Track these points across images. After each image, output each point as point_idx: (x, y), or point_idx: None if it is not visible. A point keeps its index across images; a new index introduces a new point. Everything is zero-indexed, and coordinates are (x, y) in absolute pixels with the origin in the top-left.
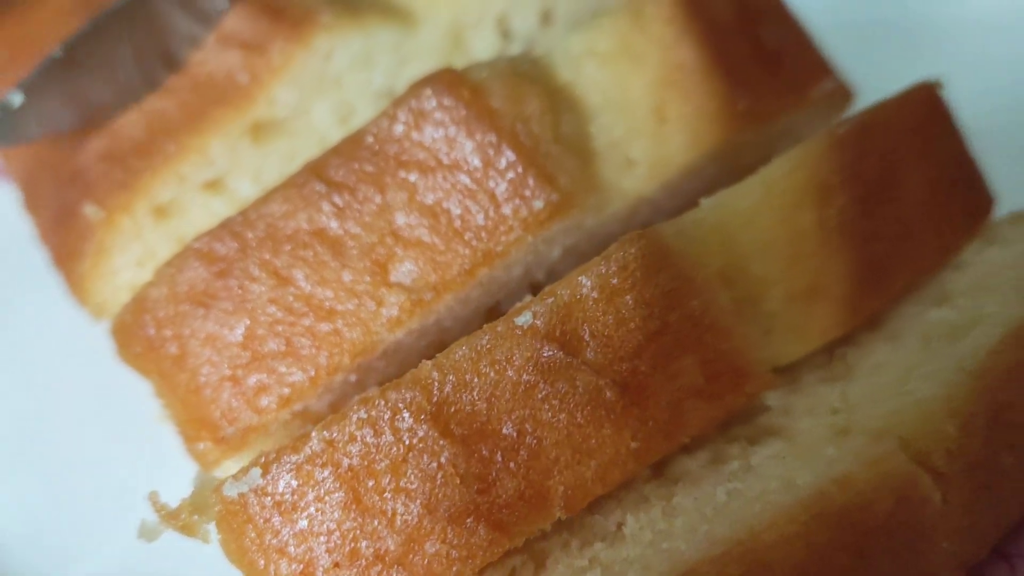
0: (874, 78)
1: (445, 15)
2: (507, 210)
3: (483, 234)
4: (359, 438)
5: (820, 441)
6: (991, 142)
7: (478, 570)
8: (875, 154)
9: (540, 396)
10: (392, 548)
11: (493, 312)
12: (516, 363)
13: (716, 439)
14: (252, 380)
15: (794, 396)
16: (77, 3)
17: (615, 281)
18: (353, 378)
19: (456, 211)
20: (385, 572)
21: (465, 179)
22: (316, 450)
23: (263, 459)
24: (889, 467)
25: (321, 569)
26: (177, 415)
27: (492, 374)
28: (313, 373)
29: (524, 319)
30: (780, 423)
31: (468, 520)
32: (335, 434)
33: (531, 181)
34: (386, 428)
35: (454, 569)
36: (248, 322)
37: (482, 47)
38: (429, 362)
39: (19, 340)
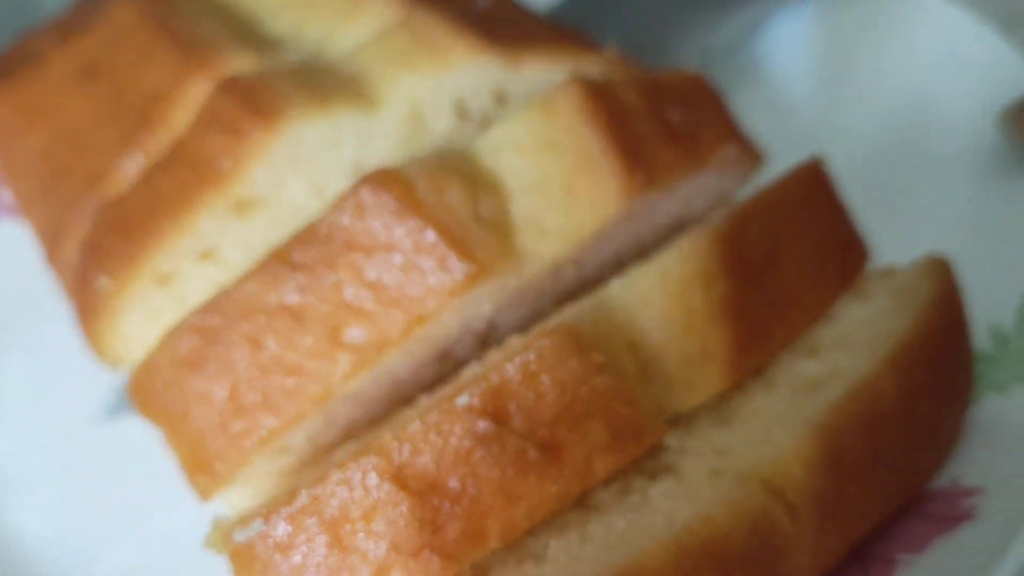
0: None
1: (404, 99)
2: (433, 281)
3: (414, 302)
4: (337, 493)
5: (699, 481)
6: (868, 198)
7: None
8: (755, 238)
9: (477, 457)
10: None
11: (445, 356)
12: (457, 433)
13: (628, 471)
14: (236, 426)
15: (688, 437)
16: (80, 73)
17: (533, 367)
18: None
19: (393, 284)
20: None
21: (399, 258)
22: (305, 503)
23: (264, 510)
24: (746, 505)
25: None
26: (181, 457)
27: (439, 442)
28: (283, 420)
29: (463, 400)
30: (675, 461)
31: (424, 552)
32: (318, 491)
33: (452, 257)
34: (358, 486)
35: None
36: (232, 380)
37: (440, 126)
38: (389, 433)
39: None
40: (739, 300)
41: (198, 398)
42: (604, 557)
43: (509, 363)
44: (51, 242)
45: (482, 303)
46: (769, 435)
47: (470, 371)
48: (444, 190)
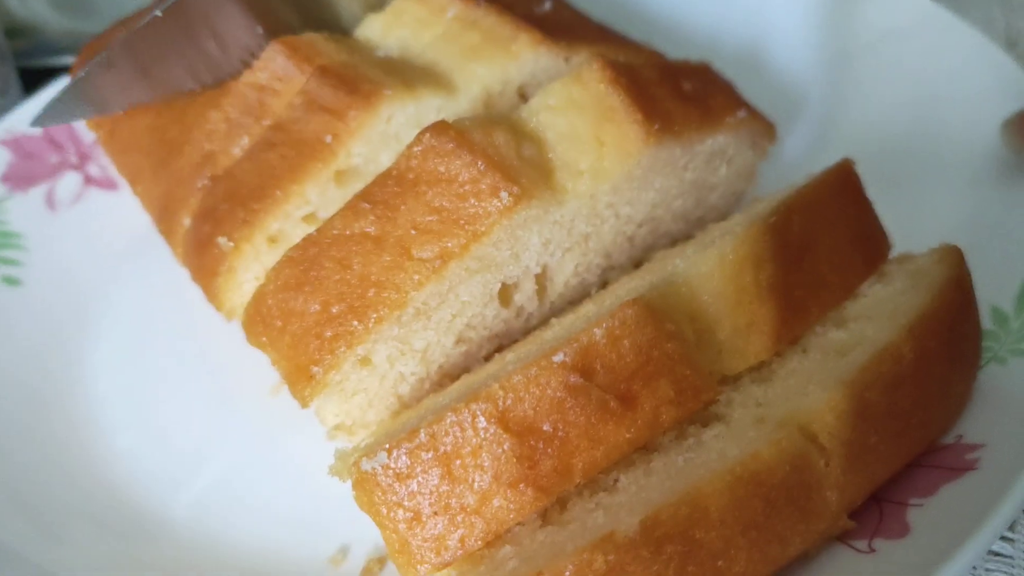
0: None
1: (477, 85)
2: (485, 204)
3: (471, 221)
4: (451, 432)
5: (745, 426)
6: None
7: (524, 515)
8: (797, 229)
9: (568, 406)
10: (471, 504)
11: (503, 293)
12: (552, 385)
13: (682, 421)
14: (328, 332)
15: (735, 393)
16: None
17: (617, 332)
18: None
19: (453, 208)
20: (466, 519)
21: (457, 187)
22: (423, 440)
23: (387, 445)
24: (786, 445)
25: (424, 516)
26: (284, 370)
27: (537, 392)
28: (365, 324)
29: (558, 357)
30: (723, 412)
31: (520, 485)
32: (435, 429)
33: (500, 183)
34: (468, 427)
35: (511, 516)
36: (324, 296)
37: (506, 108)
38: (496, 383)
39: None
40: (783, 281)
41: (297, 315)
42: (667, 486)
43: (597, 328)
44: (164, 213)
45: (530, 231)
46: (805, 390)
47: (551, 332)
48: (492, 134)
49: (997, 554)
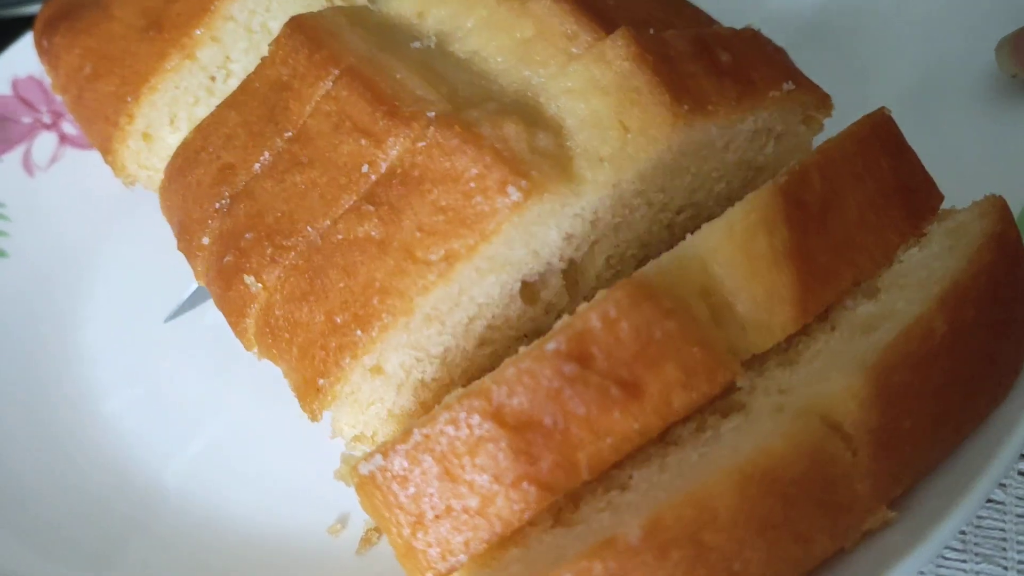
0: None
1: (531, 95)
2: (495, 200)
3: (479, 219)
4: (445, 432)
5: (764, 417)
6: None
7: (531, 515)
8: (817, 187)
9: (565, 396)
10: (473, 505)
11: (527, 291)
12: (547, 375)
13: (705, 411)
14: (333, 343)
15: (758, 378)
16: (147, 20)
17: (612, 314)
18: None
19: (460, 207)
20: (469, 521)
21: (464, 184)
22: (418, 440)
23: (383, 448)
24: (803, 437)
25: (426, 519)
26: (293, 383)
27: (532, 384)
28: (371, 333)
29: (550, 345)
30: (744, 400)
31: (523, 484)
32: (428, 430)
33: (508, 177)
34: (463, 424)
35: (516, 516)
36: (329, 305)
37: None
38: (488, 377)
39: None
40: (802, 245)
41: (303, 326)
42: (678, 484)
43: (591, 311)
44: (182, 231)
45: (546, 226)
46: (827, 374)
47: (562, 321)
48: (501, 126)
49: (991, 500)
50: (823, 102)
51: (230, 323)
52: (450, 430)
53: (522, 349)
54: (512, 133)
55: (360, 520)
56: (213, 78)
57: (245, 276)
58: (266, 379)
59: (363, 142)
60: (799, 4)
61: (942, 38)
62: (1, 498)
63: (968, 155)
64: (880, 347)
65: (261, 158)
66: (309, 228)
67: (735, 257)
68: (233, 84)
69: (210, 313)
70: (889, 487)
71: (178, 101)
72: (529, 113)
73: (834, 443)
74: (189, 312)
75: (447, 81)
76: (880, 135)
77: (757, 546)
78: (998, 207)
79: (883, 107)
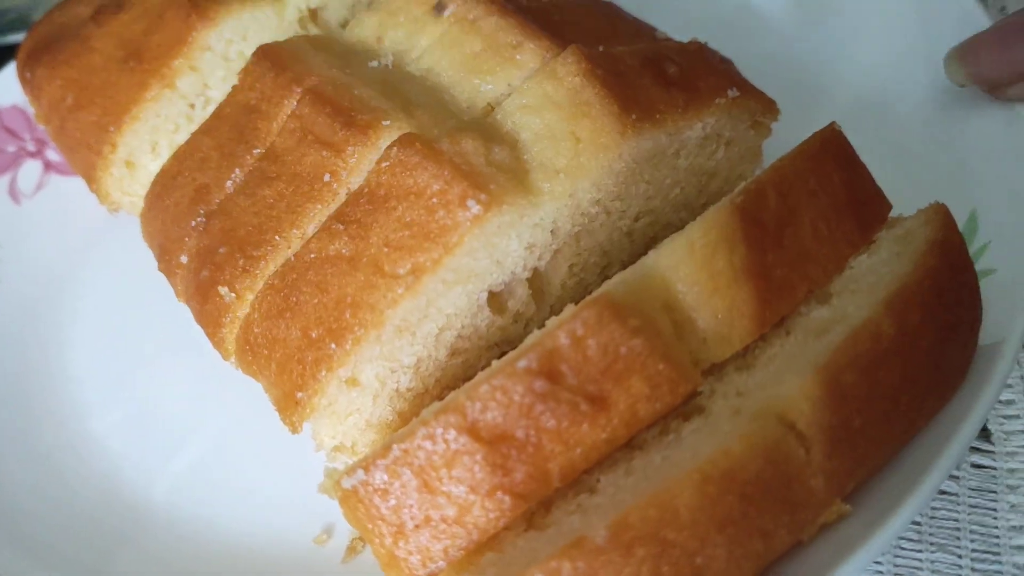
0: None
1: (481, 101)
2: (457, 214)
3: (442, 233)
4: (423, 446)
5: (722, 419)
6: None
7: (507, 522)
8: (773, 205)
9: (537, 412)
10: (451, 514)
11: (494, 301)
12: (519, 391)
13: (667, 415)
14: (309, 357)
15: (717, 383)
16: (126, 51)
17: (580, 332)
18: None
19: (424, 222)
20: (447, 530)
21: (426, 199)
22: (397, 455)
23: (364, 462)
24: (759, 438)
25: (407, 529)
26: (273, 397)
27: (505, 399)
28: (343, 345)
29: (522, 363)
30: (705, 403)
31: (498, 494)
32: (407, 445)
33: (468, 191)
34: (439, 439)
35: (492, 524)
36: (304, 320)
37: None
38: (463, 393)
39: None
40: (760, 262)
41: (280, 342)
42: (642, 487)
43: (559, 330)
44: (163, 253)
45: (508, 237)
46: (781, 377)
47: (532, 336)
48: (460, 142)
49: (944, 492)
50: (769, 107)
51: (208, 335)
52: (427, 445)
53: (495, 362)
54: (470, 148)
55: (345, 530)
56: (192, 105)
57: (220, 288)
58: (249, 395)
59: (324, 153)
60: (749, 14)
61: (892, 48)
62: None
63: (917, 163)
64: (830, 349)
65: (233, 175)
66: (277, 238)
67: (696, 275)
68: (211, 111)
69: (192, 332)
70: (843, 482)
71: (159, 129)
72: (486, 129)
73: (789, 442)
74: (172, 330)
75: (402, 94)
76: (831, 150)
77: (718, 542)
78: (941, 214)
79: (833, 122)
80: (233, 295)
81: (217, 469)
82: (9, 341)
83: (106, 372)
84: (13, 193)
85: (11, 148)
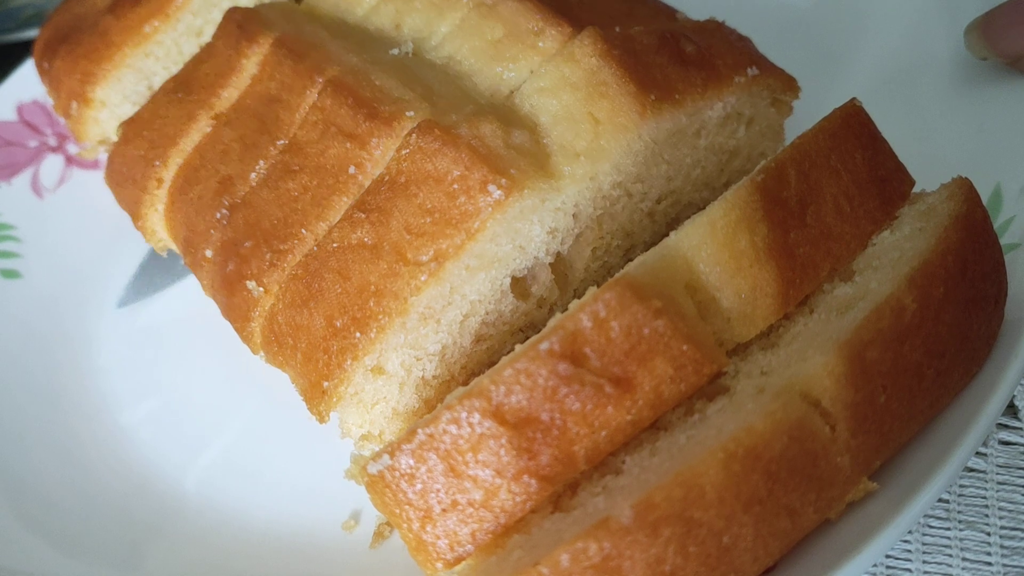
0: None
1: (505, 88)
2: (478, 199)
3: (464, 218)
4: (448, 431)
5: (746, 398)
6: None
7: (533, 505)
8: (794, 183)
9: (561, 395)
10: (477, 498)
11: (517, 286)
12: (543, 374)
13: (690, 396)
14: (334, 346)
15: (741, 362)
16: (174, 89)
17: (603, 315)
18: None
19: (445, 207)
20: (474, 514)
21: (447, 185)
22: (423, 440)
23: (390, 448)
24: (783, 415)
25: (434, 514)
26: (299, 387)
27: (529, 383)
28: (368, 334)
29: (544, 346)
30: (729, 383)
31: (524, 477)
32: (431, 429)
33: (488, 176)
34: (464, 423)
35: (519, 507)
36: (328, 309)
37: None
38: (487, 377)
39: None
40: (782, 240)
41: (305, 331)
42: (667, 466)
43: (581, 312)
44: (188, 247)
45: (529, 222)
46: (805, 354)
47: (554, 319)
48: (478, 126)
49: (972, 470)
50: (789, 85)
51: (236, 329)
52: (453, 429)
53: (518, 346)
54: (489, 132)
55: (372, 515)
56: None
57: (247, 282)
58: (275, 385)
59: (348, 145)
60: None
61: (911, 22)
62: (30, 507)
63: (939, 138)
64: (853, 326)
65: (257, 167)
66: (304, 231)
67: (719, 255)
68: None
69: (218, 323)
70: (869, 460)
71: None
72: (504, 113)
73: (814, 419)
74: (199, 324)
75: (423, 83)
76: (852, 127)
77: (744, 521)
78: (964, 188)
79: (854, 99)
80: (261, 289)
81: (246, 459)
82: (36, 336)
83: (133, 365)
84: (36, 188)
85: (33, 143)
